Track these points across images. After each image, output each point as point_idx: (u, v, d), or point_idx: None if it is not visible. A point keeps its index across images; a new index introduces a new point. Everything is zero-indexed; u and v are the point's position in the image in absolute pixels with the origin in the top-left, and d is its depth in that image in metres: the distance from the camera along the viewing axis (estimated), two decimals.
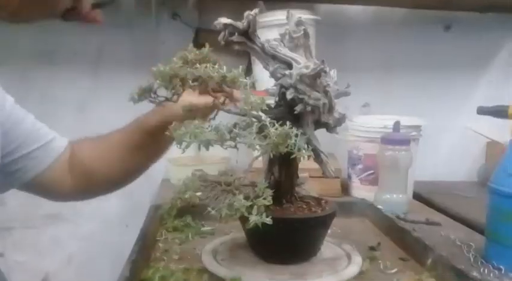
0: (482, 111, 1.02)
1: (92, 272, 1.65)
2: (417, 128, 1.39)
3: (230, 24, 0.73)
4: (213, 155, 1.57)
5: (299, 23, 0.77)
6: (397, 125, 1.24)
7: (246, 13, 0.73)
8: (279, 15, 1.32)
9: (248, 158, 0.75)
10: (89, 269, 1.69)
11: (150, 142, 0.90)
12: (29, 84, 1.60)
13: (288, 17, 0.78)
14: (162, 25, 1.64)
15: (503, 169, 0.85)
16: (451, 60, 1.76)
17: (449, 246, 0.95)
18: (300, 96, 0.72)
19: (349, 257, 0.82)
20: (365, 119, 1.44)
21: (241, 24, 0.73)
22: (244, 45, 0.76)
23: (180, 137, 0.64)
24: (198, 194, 0.70)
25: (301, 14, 0.94)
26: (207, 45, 0.73)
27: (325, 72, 0.72)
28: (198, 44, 1.56)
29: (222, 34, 0.74)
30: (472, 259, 0.88)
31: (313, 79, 0.71)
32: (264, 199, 0.66)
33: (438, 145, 1.77)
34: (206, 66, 0.68)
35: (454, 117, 1.76)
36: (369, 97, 1.70)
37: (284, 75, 0.74)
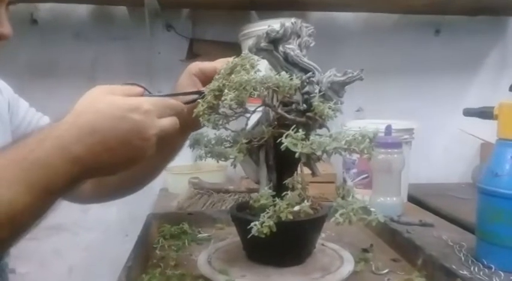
0: (468, 113, 1.03)
1: None
2: (409, 131, 1.40)
3: (271, 31, 0.73)
4: (210, 163, 1.59)
5: (312, 33, 0.78)
6: (388, 129, 1.26)
7: (282, 21, 0.74)
8: (271, 24, 1.34)
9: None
10: (89, 279, 1.71)
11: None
12: (27, 97, 1.63)
13: (300, 28, 0.78)
14: (157, 36, 1.67)
15: (490, 169, 0.87)
16: (442, 63, 1.79)
17: (441, 246, 0.96)
18: (326, 102, 0.73)
19: (341, 259, 0.84)
20: (358, 123, 1.46)
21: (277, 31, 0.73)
22: (270, 53, 0.76)
23: None
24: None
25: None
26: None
27: (362, 79, 0.74)
28: (193, 54, 1.59)
29: (255, 40, 0.74)
30: (463, 258, 0.89)
31: (342, 86, 0.74)
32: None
33: (432, 147, 1.79)
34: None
35: (447, 119, 1.78)
36: (362, 102, 1.72)
37: (310, 82, 0.75)
